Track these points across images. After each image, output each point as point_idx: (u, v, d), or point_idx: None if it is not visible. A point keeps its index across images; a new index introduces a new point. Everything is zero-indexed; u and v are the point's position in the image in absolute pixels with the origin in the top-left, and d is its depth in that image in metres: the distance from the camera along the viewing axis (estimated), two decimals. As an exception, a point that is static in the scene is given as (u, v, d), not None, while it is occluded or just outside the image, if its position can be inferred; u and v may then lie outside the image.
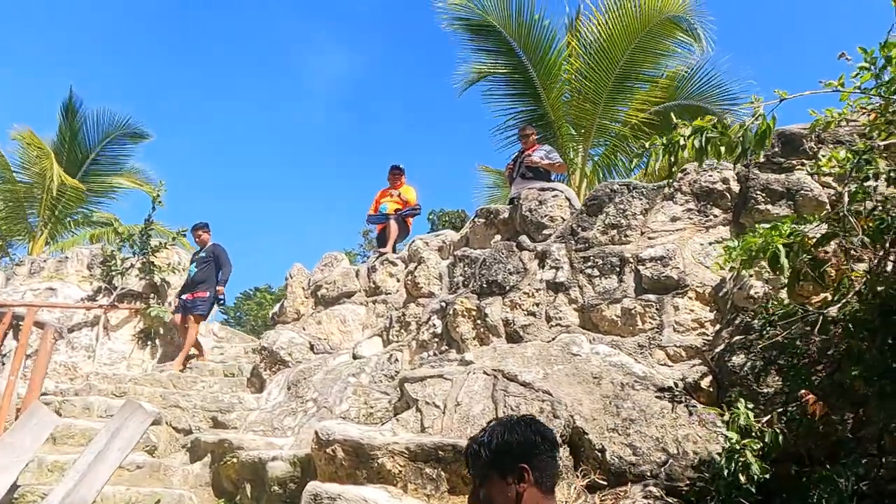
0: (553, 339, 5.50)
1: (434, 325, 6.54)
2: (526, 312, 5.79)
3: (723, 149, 2.87)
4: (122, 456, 4.24)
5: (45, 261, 9.22)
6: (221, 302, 8.62)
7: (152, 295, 8.81)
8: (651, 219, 5.53)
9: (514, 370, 5.03)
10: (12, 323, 7.13)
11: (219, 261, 8.52)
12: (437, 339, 6.45)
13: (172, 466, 6.01)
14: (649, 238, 5.45)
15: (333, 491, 4.31)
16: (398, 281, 7.48)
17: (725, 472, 2.94)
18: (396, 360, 6.68)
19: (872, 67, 3.26)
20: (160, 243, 8.92)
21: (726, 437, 2.92)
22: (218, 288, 8.44)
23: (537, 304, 5.78)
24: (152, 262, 8.80)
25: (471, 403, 4.98)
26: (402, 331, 6.92)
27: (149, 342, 8.65)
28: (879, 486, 2.95)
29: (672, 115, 4.01)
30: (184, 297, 8.39)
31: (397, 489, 4.46)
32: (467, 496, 2.00)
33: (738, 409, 3.08)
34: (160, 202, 8.86)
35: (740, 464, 2.90)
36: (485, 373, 5.15)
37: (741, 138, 2.83)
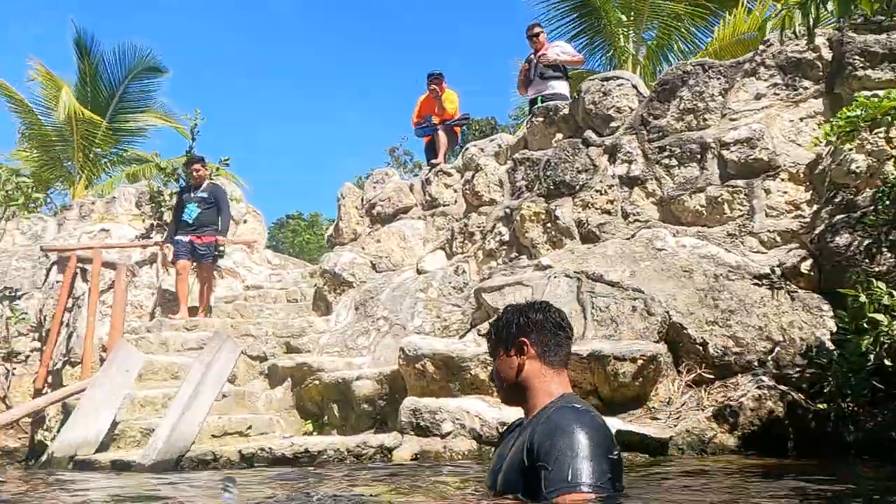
0: (633, 235, 5.28)
1: (500, 232, 6.36)
2: (600, 211, 5.55)
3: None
4: (219, 388, 4.25)
5: (93, 203, 9.17)
6: (221, 254, 7.93)
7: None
8: (732, 99, 5.14)
9: (598, 270, 4.85)
10: (77, 267, 7.16)
11: (220, 205, 7.73)
12: (505, 247, 6.27)
13: (255, 393, 6.08)
14: (731, 120, 5.09)
15: (432, 405, 4.29)
16: (455, 191, 7.26)
17: (871, 356, 2.76)
18: (464, 271, 6.55)
19: None
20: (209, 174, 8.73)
21: (871, 318, 2.71)
22: (219, 239, 7.69)
23: (611, 202, 5.52)
24: (199, 195, 8.65)
25: (556, 308, 4.83)
26: (466, 241, 6.76)
27: (207, 275, 8.64)
28: None
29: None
30: (185, 239, 7.54)
31: (493, 398, 4.41)
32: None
33: (879, 289, 2.86)
34: (198, 132, 8.63)
35: (885, 346, 2.70)
36: (567, 276, 4.98)
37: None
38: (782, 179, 4.74)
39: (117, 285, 5.75)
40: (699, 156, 5.13)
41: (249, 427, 5.49)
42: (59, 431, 5.53)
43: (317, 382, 5.74)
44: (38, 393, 6.66)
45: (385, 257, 7.33)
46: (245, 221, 9.70)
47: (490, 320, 2.27)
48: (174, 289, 7.68)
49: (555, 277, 5.03)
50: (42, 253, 8.12)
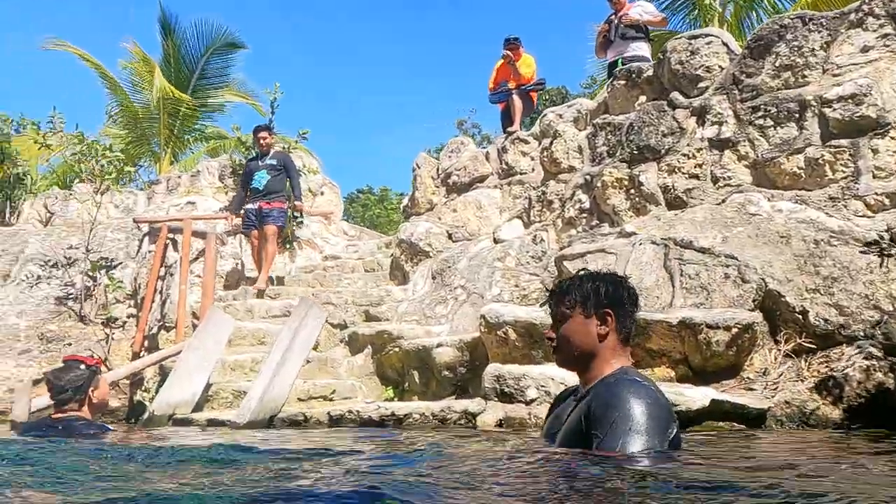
0: (723, 200, 5.05)
1: (580, 200, 6.22)
2: (687, 175, 5.33)
3: None
4: (306, 353, 4.36)
5: (179, 177, 9.55)
6: (300, 221, 8.01)
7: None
8: (835, 52, 4.80)
9: (686, 237, 4.67)
10: (167, 238, 7.48)
11: (289, 172, 7.76)
12: (585, 215, 6.14)
13: (337, 359, 6.22)
14: (834, 75, 4.76)
15: (516, 371, 4.26)
16: (532, 159, 7.13)
17: None
18: (542, 240, 6.46)
19: None
20: (284, 147, 8.92)
21: None
22: (298, 204, 7.83)
23: (700, 166, 5.29)
24: (278, 168, 8.84)
25: (641, 275, 4.70)
26: (544, 210, 6.65)
27: (287, 245, 8.87)
28: None
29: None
30: (254, 206, 7.56)
31: (578, 366, 4.36)
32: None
33: None
34: (277, 106, 8.79)
35: None
36: (653, 242, 4.83)
37: None
38: (892, 138, 4.41)
39: (207, 252, 5.95)
40: (797, 115, 4.83)
41: (333, 392, 5.64)
42: (156, 392, 5.84)
43: (397, 350, 5.82)
44: (135, 356, 7.04)
45: (461, 227, 7.31)
46: (322, 193, 9.88)
47: (563, 280, 2.20)
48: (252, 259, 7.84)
49: (640, 244, 4.88)
50: (134, 225, 8.53)
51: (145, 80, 13.20)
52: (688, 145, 5.39)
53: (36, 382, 5.53)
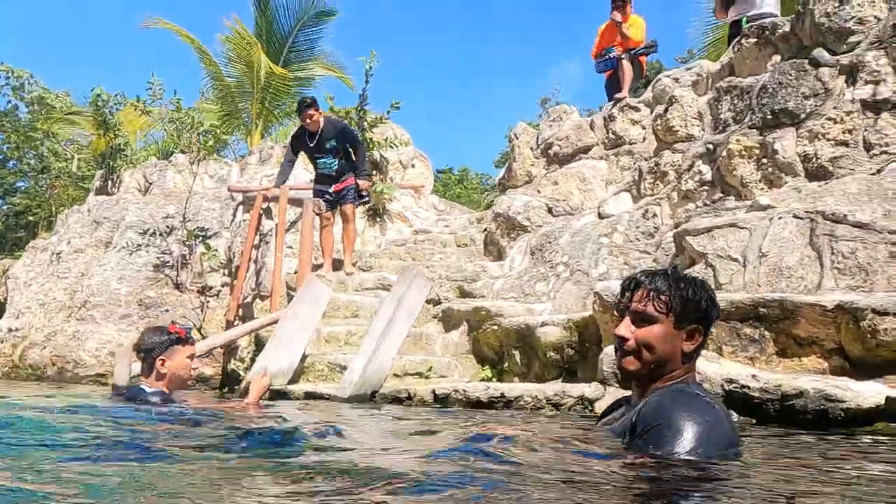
0: (879, 170, 4.42)
1: (699, 171, 5.67)
2: (834, 142, 4.71)
3: None
4: (409, 324, 4.09)
5: (271, 148, 9.52)
6: (367, 200, 7.47)
7: (374, 171, 8.68)
8: None
9: (838, 210, 4.09)
10: (261, 207, 7.42)
11: (355, 145, 7.05)
12: (705, 188, 5.59)
13: (431, 335, 5.97)
14: None
15: (640, 355, 3.86)
16: (643, 128, 6.60)
17: None
18: (654, 215, 5.96)
19: None
20: (376, 118, 8.71)
21: None
22: (362, 183, 7.03)
23: (850, 131, 4.65)
24: (370, 139, 8.65)
25: (781, 253, 4.17)
26: (657, 182, 6.13)
27: (377, 219, 8.70)
28: None
29: None
30: (331, 189, 6.97)
31: (710, 352, 3.90)
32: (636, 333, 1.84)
33: None
34: (372, 75, 8.57)
35: None
36: (796, 216, 4.26)
37: None
38: None
39: (304, 220, 5.79)
40: (978, 70, 4.13)
41: (430, 369, 5.39)
42: (251, 361, 5.76)
43: (495, 328, 5.50)
44: (229, 324, 7.04)
45: (563, 200, 6.89)
46: (413, 166, 9.64)
47: (647, 272, 1.91)
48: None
49: (779, 218, 4.32)
50: (228, 194, 8.55)
51: (240, 55, 13.32)
52: (834, 108, 4.75)
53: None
